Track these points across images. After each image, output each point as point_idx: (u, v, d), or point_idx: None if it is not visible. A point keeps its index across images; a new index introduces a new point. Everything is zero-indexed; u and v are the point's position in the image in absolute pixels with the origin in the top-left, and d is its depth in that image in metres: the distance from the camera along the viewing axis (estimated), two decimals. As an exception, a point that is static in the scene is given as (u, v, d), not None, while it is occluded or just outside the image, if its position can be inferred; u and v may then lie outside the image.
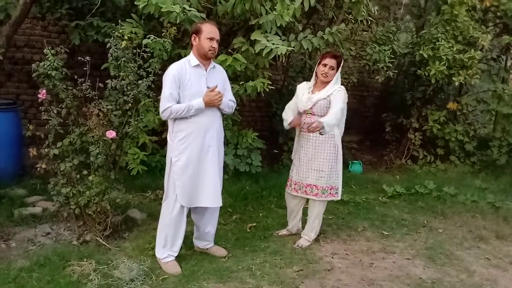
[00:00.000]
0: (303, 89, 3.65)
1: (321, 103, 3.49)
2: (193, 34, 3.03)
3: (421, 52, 5.80)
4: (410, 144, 6.54)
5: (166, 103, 2.96)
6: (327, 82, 3.52)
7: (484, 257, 3.76)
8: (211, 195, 3.11)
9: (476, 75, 5.68)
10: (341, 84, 3.62)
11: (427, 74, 5.78)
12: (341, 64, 3.55)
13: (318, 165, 3.53)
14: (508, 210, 4.89)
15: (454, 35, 5.79)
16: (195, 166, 3.04)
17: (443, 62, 5.62)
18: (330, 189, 3.57)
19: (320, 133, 3.44)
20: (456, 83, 5.76)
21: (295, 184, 3.66)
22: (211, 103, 3.00)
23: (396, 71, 6.25)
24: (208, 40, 3.00)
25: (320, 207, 3.65)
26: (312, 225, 3.68)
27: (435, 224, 4.43)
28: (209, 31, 3.01)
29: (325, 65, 3.48)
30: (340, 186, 3.62)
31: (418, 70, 6.01)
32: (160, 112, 3.01)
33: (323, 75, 3.49)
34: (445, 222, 4.54)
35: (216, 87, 3.03)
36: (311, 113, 3.52)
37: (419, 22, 6.79)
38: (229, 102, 3.20)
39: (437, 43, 5.73)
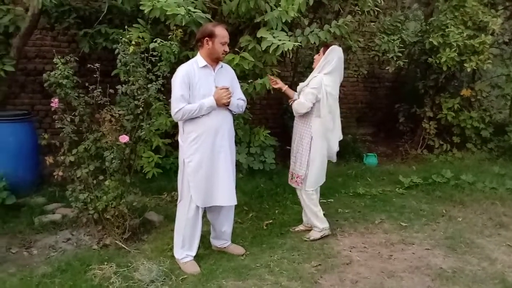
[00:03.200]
0: None
1: (303, 91, 3.57)
2: (206, 37, 3.02)
3: (430, 39, 5.73)
4: (425, 134, 6.48)
5: (178, 105, 2.97)
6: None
7: (506, 244, 3.70)
8: (225, 194, 3.13)
9: (489, 60, 5.58)
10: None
11: (438, 61, 5.71)
12: (327, 51, 3.52)
13: (293, 150, 3.65)
14: (528, 195, 4.81)
15: (463, 21, 5.70)
16: (208, 166, 3.06)
17: (453, 49, 5.54)
18: (297, 177, 3.61)
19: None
20: (469, 69, 5.68)
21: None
22: (220, 101, 3.01)
23: (407, 61, 6.18)
24: (222, 44, 3.03)
25: (301, 195, 3.67)
26: (307, 215, 3.72)
27: (454, 213, 4.38)
28: (223, 36, 3.03)
29: None
30: (309, 177, 3.57)
31: (429, 58, 5.94)
32: (173, 114, 3.02)
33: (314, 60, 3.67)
34: (464, 210, 4.48)
35: (227, 88, 3.05)
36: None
37: (427, 10, 6.70)
38: (238, 101, 3.20)
39: (446, 30, 5.66)
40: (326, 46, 3.60)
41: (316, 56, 3.64)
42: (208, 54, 3.05)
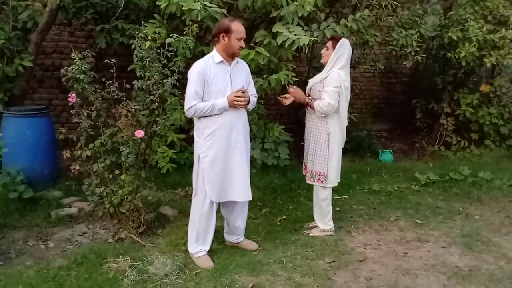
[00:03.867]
0: None
1: (315, 87, 3.52)
2: (222, 33, 3.01)
3: (449, 34, 5.62)
4: (442, 130, 6.37)
5: (191, 101, 3.00)
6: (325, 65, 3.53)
7: (524, 242, 3.64)
8: (240, 189, 3.14)
9: (509, 55, 5.43)
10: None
11: (457, 56, 5.59)
12: (338, 45, 3.45)
13: (310, 148, 3.59)
14: (548, 194, 4.71)
15: (483, 15, 5.58)
16: (223, 161, 3.07)
17: (473, 43, 5.42)
18: (319, 175, 3.55)
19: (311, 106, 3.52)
20: (488, 65, 5.55)
21: (303, 167, 3.74)
22: (233, 104, 3.01)
23: (425, 55, 6.06)
24: (238, 40, 3.01)
25: (317, 192, 3.63)
26: (316, 213, 3.70)
27: (471, 211, 4.31)
28: (239, 31, 3.01)
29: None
30: (330, 174, 3.53)
31: (447, 53, 5.83)
32: (185, 110, 3.06)
33: (322, 55, 3.57)
34: (482, 208, 4.41)
35: (245, 90, 3.03)
36: (311, 98, 3.56)
37: (446, 4, 6.57)
38: (251, 97, 3.20)
39: (466, 24, 5.54)
40: (334, 39, 3.53)
41: (324, 51, 3.54)
42: (224, 50, 3.05)
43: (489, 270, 3.17)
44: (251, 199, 3.25)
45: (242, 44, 3.06)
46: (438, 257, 3.36)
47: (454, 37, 5.57)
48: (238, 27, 3.01)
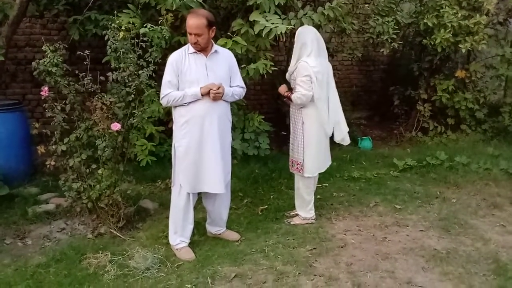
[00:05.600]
0: None
1: (291, 77, 3.54)
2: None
3: (425, 20, 5.67)
4: (419, 116, 6.45)
5: (165, 90, 3.01)
6: None
7: (499, 224, 3.73)
8: (212, 181, 3.08)
9: (483, 41, 5.52)
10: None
11: (432, 43, 5.65)
12: (296, 35, 3.48)
13: (290, 137, 3.65)
14: (522, 176, 4.83)
15: (458, 1, 5.64)
16: (196, 151, 3.04)
17: (448, 30, 5.48)
18: (297, 164, 3.58)
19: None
20: (463, 50, 5.62)
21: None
22: (207, 92, 2.97)
23: (401, 42, 6.10)
24: (189, 34, 2.95)
25: (298, 181, 3.66)
26: (297, 201, 3.73)
27: (448, 195, 4.40)
28: (187, 25, 2.94)
29: None
30: (306, 164, 3.53)
31: (423, 40, 5.88)
32: (160, 99, 3.07)
33: None
34: (458, 191, 4.50)
35: (220, 85, 2.98)
36: (289, 92, 3.59)
37: (421, -10, 6.61)
38: (234, 89, 3.15)
39: (441, 11, 5.59)
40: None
41: None
42: None
43: (466, 252, 3.25)
44: (222, 192, 3.15)
45: (193, 39, 2.93)
46: (417, 241, 3.42)
47: (430, 24, 5.61)
48: (188, 21, 2.93)
